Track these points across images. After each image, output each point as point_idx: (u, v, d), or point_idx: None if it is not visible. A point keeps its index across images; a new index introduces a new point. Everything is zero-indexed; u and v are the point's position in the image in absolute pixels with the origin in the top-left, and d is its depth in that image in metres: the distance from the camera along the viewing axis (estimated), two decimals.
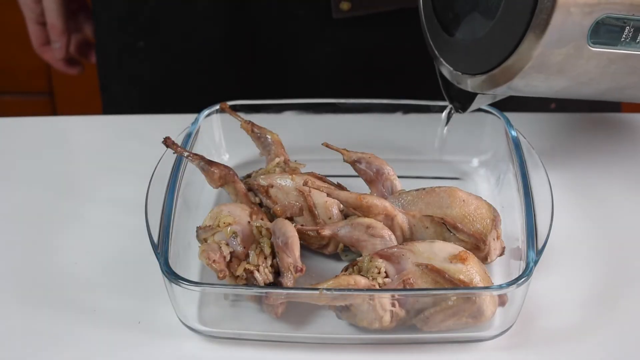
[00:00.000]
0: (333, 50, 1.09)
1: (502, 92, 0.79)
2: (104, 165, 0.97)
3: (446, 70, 0.83)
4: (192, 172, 0.85)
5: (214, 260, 0.74)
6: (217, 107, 0.93)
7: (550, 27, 0.71)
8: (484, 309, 0.72)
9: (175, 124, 0.92)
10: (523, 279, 0.71)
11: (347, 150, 0.86)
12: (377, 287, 0.73)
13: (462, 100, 0.87)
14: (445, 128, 0.92)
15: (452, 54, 0.82)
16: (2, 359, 0.73)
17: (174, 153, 0.84)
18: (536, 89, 0.78)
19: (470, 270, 0.73)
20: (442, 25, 0.83)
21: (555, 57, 0.74)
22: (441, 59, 0.84)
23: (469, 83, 0.80)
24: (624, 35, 0.74)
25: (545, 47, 0.72)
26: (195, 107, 0.94)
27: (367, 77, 1.11)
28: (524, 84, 0.76)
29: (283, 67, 1.11)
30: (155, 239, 0.75)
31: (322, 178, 0.85)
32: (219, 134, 0.95)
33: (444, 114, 0.91)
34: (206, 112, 0.93)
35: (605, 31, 0.73)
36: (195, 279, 0.78)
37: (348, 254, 0.82)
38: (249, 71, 1.12)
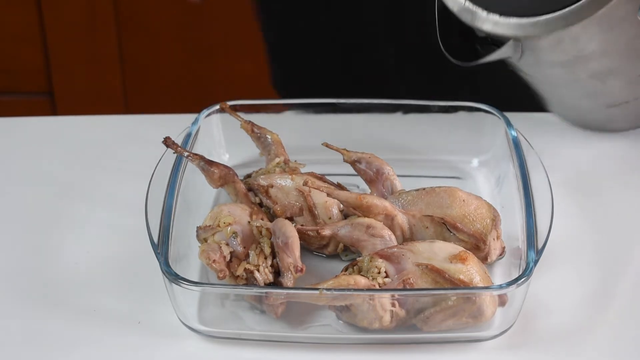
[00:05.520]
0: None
1: (534, 46, 0.75)
2: (104, 165, 0.97)
3: (472, 15, 0.78)
4: (192, 172, 0.85)
5: (214, 260, 0.74)
6: (217, 107, 0.93)
7: None
8: (484, 309, 0.72)
9: (175, 124, 0.92)
10: (523, 279, 0.71)
11: (347, 150, 0.86)
12: (377, 287, 0.73)
13: (465, 51, 0.82)
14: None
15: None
16: (2, 359, 0.73)
17: (174, 153, 0.84)
18: (564, 53, 0.76)
19: (470, 270, 0.73)
20: None
21: (620, 12, 0.72)
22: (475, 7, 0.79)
23: (508, 27, 0.76)
24: None
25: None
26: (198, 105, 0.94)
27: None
28: (570, 40, 0.73)
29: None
30: (155, 239, 0.76)
31: (322, 178, 0.85)
32: (219, 134, 0.95)
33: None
34: (206, 112, 0.93)
35: None
36: (195, 279, 0.78)
37: (348, 254, 0.82)
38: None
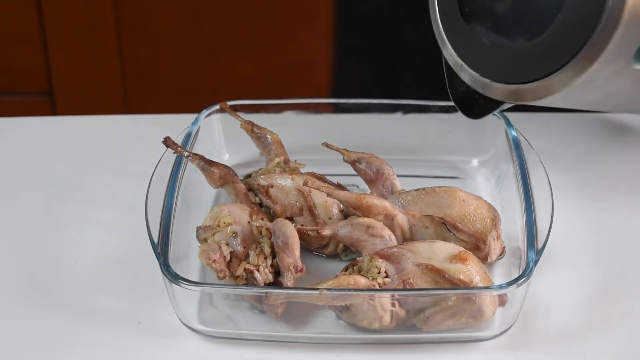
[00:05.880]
0: None
1: (535, 103, 0.74)
2: (104, 165, 0.97)
3: (467, 75, 0.79)
4: (192, 172, 0.85)
5: (214, 260, 0.74)
6: (217, 107, 0.93)
7: (611, 44, 0.67)
8: (484, 309, 0.72)
9: (175, 124, 0.92)
10: (523, 279, 0.71)
11: (347, 150, 0.86)
12: (377, 287, 0.73)
13: (472, 105, 0.83)
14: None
15: (480, 60, 0.78)
16: (2, 359, 0.73)
17: (174, 153, 0.84)
18: (565, 102, 0.75)
19: (470, 270, 0.73)
20: (471, 29, 0.78)
21: (603, 74, 0.70)
22: (463, 64, 0.79)
23: (499, 91, 0.76)
24: None
25: (600, 64, 0.69)
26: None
27: None
28: (562, 97, 0.73)
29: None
30: (155, 239, 0.76)
31: (322, 178, 0.85)
32: (219, 134, 0.95)
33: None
34: (206, 112, 0.93)
35: None
36: (195, 279, 0.78)
37: (348, 254, 0.82)
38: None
